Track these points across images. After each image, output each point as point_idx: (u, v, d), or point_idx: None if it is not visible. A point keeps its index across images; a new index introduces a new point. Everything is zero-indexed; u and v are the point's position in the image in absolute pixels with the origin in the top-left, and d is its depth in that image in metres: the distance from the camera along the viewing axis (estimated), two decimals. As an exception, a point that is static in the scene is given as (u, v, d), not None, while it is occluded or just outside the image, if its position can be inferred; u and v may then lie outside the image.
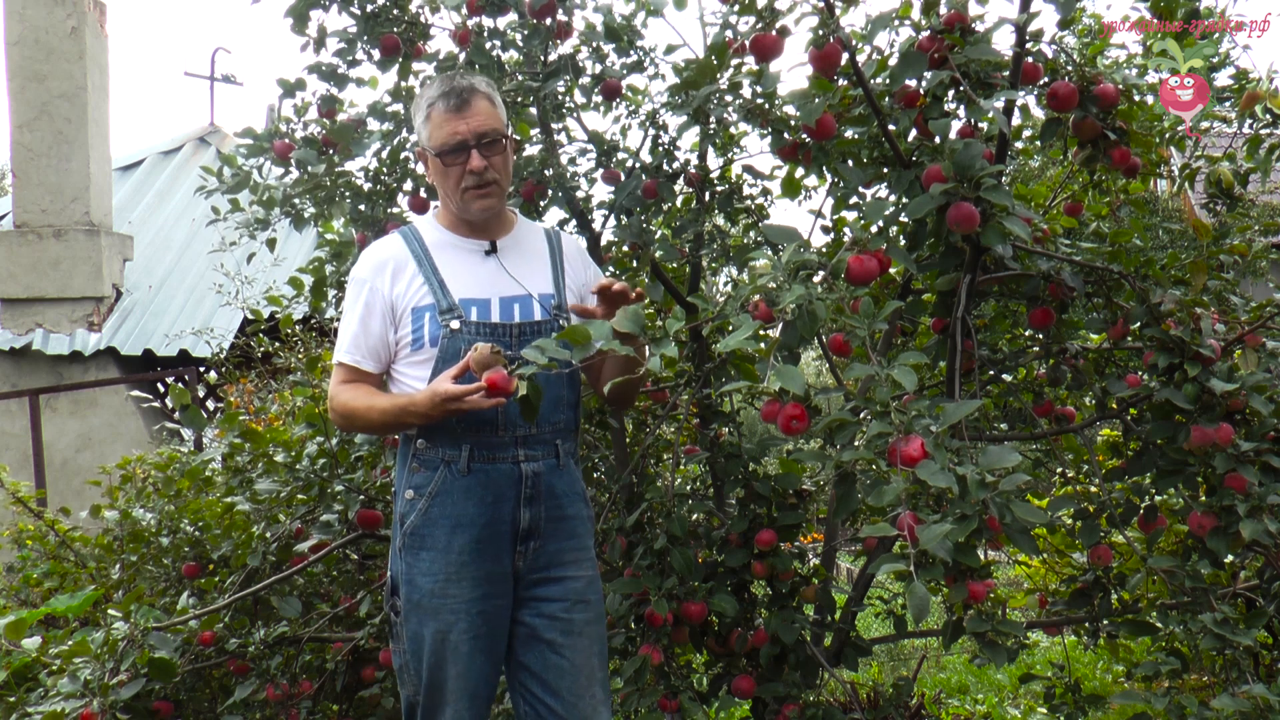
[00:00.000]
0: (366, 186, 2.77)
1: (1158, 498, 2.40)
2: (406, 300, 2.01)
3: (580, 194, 2.68)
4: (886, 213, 1.95)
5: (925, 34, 1.95)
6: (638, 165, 2.61)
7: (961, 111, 2.00)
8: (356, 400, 2.01)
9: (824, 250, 2.53)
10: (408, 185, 2.78)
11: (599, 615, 2.10)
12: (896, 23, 1.97)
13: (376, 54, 2.63)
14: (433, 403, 1.88)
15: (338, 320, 2.33)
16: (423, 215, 2.21)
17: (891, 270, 2.46)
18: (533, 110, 2.58)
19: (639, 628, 2.37)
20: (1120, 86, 2.03)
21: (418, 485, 2.01)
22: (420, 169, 2.76)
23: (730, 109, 2.23)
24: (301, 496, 2.89)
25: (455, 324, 1.98)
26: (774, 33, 1.94)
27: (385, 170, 2.76)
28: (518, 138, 2.63)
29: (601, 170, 2.68)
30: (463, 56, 2.53)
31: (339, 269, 2.86)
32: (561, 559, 2.06)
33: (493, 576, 2.01)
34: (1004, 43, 1.99)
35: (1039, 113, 2.30)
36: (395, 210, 2.78)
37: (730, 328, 1.61)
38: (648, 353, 1.67)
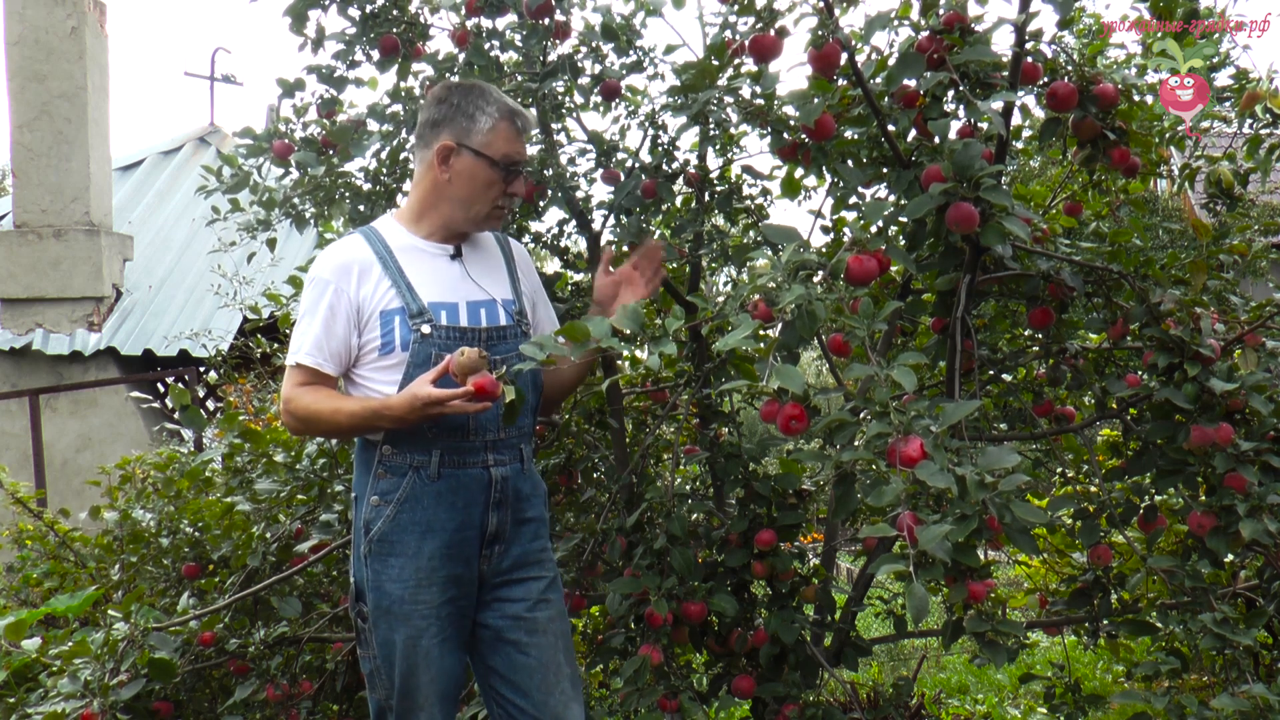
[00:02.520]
0: (366, 187, 2.77)
1: (1158, 498, 2.40)
2: (374, 303, 1.98)
3: (580, 194, 2.67)
4: (886, 213, 1.95)
5: (924, 34, 1.94)
6: (637, 165, 2.60)
7: (961, 111, 2.00)
8: (320, 403, 1.97)
9: (824, 250, 2.53)
10: (407, 185, 2.77)
11: (561, 613, 2.11)
12: (896, 23, 1.96)
13: (375, 55, 2.63)
14: (412, 407, 1.87)
15: None
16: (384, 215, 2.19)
17: (891, 270, 2.46)
18: (532, 110, 2.58)
19: (639, 628, 2.36)
20: (1120, 86, 2.02)
21: (384, 491, 2.00)
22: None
23: (730, 110, 2.23)
24: (301, 496, 2.89)
25: (426, 328, 1.96)
26: (773, 33, 1.94)
27: (385, 171, 2.76)
28: None
29: (601, 170, 2.68)
30: (462, 57, 2.53)
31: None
32: (525, 560, 2.08)
33: (460, 580, 2.02)
34: (1003, 43, 1.99)
35: (1039, 112, 2.29)
36: (395, 210, 2.77)
37: (730, 327, 1.61)
38: (645, 352, 1.67)
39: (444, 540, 1.99)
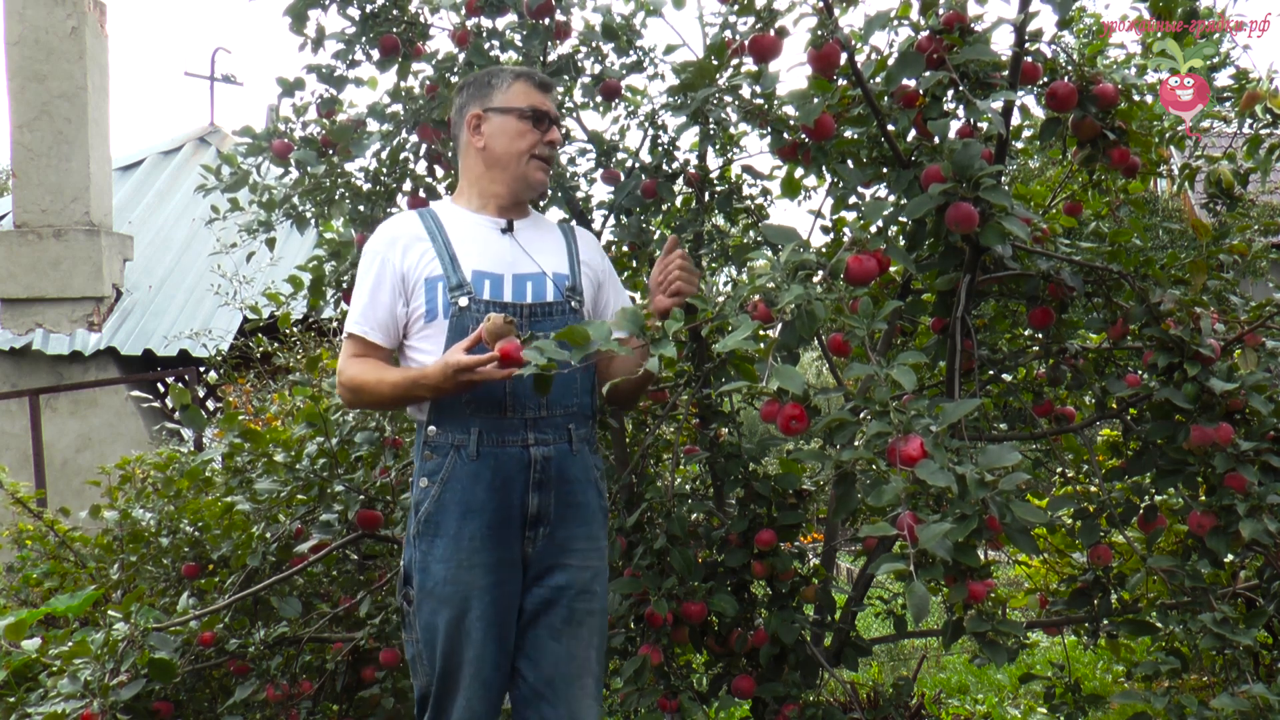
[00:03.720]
0: (366, 187, 2.77)
1: (1158, 498, 2.40)
2: (419, 272, 2.01)
3: (580, 194, 2.68)
4: (886, 213, 1.95)
5: (924, 34, 1.94)
6: (637, 165, 2.60)
7: (961, 111, 2.00)
8: (366, 374, 2.00)
9: (823, 250, 2.53)
10: (407, 185, 2.78)
11: (602, 608, 2.09)
12: (895, 23, 1.97)
13: (375, 54, 2.63)
14: (444, 374, 1.88)
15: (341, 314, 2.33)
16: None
17: (891, 270, 2.46)
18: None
19: (639, 628, 2.37)
20: (1119, 86, 2.02)
21: (430, 472, 2.00)
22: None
23: (729, 109, 2.23)
24: (301, 496, 2.88)
25: (464, 300, 1.98)
26: (772, 33, 1.94)
27: (385, 171, 2.76)
28: None
29: (601, 170, 2.68)
30: (462, 57, 2.53)
31: (338, 268, 2.86)
32: (571, 546, 2.04)
33: (503, 563, 1.99)
34: (1003, 42, 1.99)
35: (1039, 112, 2.30)
36: (394, 211, 2.78)
37: (729, 328, 1.61)
38: (649, 352, 1.66)
39: (484, 521, 1.97)
